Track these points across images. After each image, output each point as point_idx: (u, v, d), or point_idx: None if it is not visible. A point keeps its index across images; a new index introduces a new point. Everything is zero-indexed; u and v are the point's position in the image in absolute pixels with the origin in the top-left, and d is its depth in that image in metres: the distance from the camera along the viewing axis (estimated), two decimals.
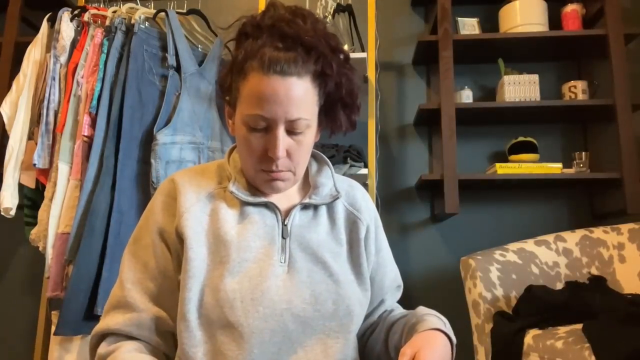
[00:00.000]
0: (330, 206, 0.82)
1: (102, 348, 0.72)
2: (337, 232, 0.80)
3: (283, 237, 0.75)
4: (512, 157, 2.03)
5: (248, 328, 0.67)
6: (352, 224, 0.82)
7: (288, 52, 0.69)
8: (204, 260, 0.71)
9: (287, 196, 0.81)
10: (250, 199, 0.76)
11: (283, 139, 0.71)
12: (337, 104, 0.77)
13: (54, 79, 1.76)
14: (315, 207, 0.81)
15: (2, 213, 1.76)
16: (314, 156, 0.88)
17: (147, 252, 0.75)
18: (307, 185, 0.84)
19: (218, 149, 1.85)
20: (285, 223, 0.77)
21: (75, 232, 1.58)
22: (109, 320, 0.74)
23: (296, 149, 0.73)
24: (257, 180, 0.76)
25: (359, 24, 2.00)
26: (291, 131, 0.72)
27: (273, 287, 0.70)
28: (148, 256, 0.75)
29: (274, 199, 0.79)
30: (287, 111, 0.69)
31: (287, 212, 0.78)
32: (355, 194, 0.86)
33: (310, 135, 0.75)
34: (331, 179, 0.84)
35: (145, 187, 1.65)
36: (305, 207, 0.80)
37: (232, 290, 0.68)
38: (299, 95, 0.70)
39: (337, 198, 0.81)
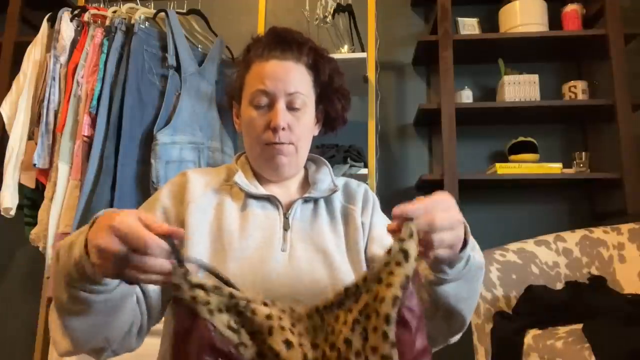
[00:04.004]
0: (328, 201, 0.87)
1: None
2: (336, 224, 0.84)
3: (284, 229, 0.78)
4: (512, 157, 2.03)
5: None
6: (348, 216, 0.86)
7: (283, 46, 0.82)
8: (206, 247, 0.74)
9: (288, 192, 0.86)
10: (254, 191, 0.81)
11: (283, 111, 0.80)
12: (334, 95, 0.89)
13: (54, 79, 1.76)
14: (315, 202, 0.85)
15: (2, 213, 1.76)
16: (313, 160, 0.93)
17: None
18: (307, 184, 0.89)
19: (218, 149, 1.85)
20: (287, 216, 0.80)
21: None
22: None
23: (296, 125, 0.81)
24: (262, 158, 0.82)
25: (359, 24, 1.99)
26: (290, 107, 0.81)
27: (274, 273, 0.72)
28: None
29: (276, 193, 0.83)
30: (286, 85, 0.80)
31: (289, 206, 0.82)
32: (349, 190, 0.90)
33: (308, 117, 0.84)
34: (329, 176, 0.89)
35: (145, 187, 1.65)
36: (306, 201, 0.84)
37: (233, 275, 0.71)
38: (296, 74, 0.82)
39: (335, 191, 0.86)
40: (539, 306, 1.43)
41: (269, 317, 0.52)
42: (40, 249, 1.71)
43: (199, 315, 0.51)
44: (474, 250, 0.66)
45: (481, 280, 0.71)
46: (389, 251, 0.52)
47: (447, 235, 0.56)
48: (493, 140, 2.19)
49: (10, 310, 2.27)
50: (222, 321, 0.51)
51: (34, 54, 1.85)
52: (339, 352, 0.51)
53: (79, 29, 1.81)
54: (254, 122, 0.81)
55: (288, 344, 0.51)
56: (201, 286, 0.51)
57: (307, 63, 0.84)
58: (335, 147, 1.90)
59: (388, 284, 0.50)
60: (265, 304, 0.53)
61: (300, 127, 0.82)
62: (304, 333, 0.53)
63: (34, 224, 1.73)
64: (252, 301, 0.53)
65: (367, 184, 1.89)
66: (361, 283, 0.52)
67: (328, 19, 1.95)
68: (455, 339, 0.76)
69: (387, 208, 0.91)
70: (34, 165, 1.69)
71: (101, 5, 1.95)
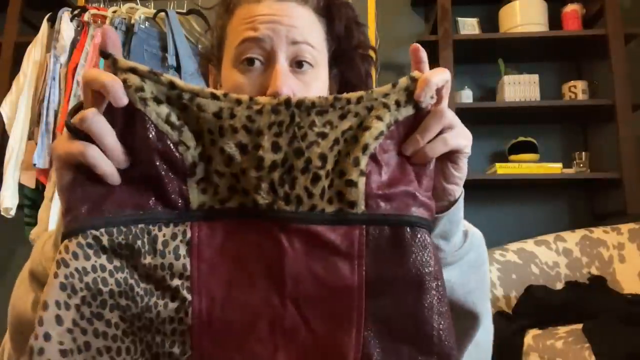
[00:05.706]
0: None
1: None
2: None
3: None
4: (512, 157, 2.03)
5: None
6: None
7: None
8: None
9: None
10: None
11: (286, 72, 0.55)
12: (354, 52, 0.64)
13: (54, 79, 1.76)
14: None
15: (2, 213, 1.76)
16: None
17: None
18: None
19: None
20: None
21: None
22: None
23: (303, 93, 0.55)
24: None
25: None
26: (295, 64, 0.56)
27: None
28: None
29: None
30: (289, 30, 0.55)
31: None
32: None
33: (321, 85, 0.59)
34: None
35: None
36: None
37: None
38: (303, 18, 0.57)
39: None
40: (539, 306, 1.43)
41: (218, 115, 0.43)
42: None
43: (132, 107, 0.43)
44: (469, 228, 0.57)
45: (487, 266, 0.59)
46: (394, 85, 0.45)
47: (462, 140, 0.47)
48: (493, 140, 2.19)
49: None
50: (158, 113, 0.43)
51: (34, 54, 1.85)
52: (308, 164, 0.44)
53: (79, 29, 1.81)
54: (242, 91, 0.55)
55: (242, 147, 0.44)
56: (133, 70, 0.43)
57: (317, 6, 0.59)
58: None
59: (378, 117, 0.45)
60: (215, 97, 0.44)
61: None
62: (265, 130, 0.44)
63: (34, 224, 1.73)
64: (199, 94, 0.44)
65: None
66: (354, 101, 0.45)
67: None
68: (477, 340, 0.60)
69: None
70: (34, 165, 1.69)
71: (101, 5, 1.95)
